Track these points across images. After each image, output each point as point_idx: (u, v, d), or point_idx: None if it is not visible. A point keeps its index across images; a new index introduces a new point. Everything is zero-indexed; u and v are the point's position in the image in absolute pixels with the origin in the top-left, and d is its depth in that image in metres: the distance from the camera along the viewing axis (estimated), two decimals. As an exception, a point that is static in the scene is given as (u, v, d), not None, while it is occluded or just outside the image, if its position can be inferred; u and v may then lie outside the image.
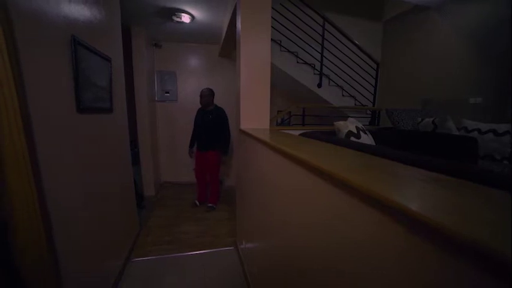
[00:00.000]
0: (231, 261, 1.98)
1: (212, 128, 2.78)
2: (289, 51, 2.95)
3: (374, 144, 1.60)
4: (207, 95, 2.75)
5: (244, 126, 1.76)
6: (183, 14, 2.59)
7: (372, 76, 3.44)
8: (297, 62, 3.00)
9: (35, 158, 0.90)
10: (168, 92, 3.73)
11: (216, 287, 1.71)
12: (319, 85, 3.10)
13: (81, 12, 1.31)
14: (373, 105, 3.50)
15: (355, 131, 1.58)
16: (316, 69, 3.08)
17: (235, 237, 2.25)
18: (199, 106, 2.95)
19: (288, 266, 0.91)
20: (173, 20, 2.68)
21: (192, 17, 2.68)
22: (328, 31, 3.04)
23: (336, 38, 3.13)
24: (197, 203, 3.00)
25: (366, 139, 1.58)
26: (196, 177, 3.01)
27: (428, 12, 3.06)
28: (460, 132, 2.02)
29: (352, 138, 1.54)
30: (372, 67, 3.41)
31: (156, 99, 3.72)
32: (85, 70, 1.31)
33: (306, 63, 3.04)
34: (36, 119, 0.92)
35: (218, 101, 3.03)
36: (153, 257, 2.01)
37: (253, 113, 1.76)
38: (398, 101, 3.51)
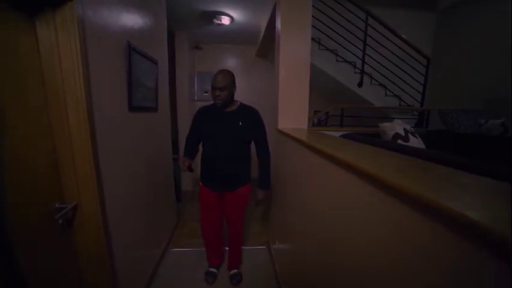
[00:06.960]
0: (263, 260, 1.98)
1: (244, 142, 1.55)
2: (328, 49, 2.84)
3: (424, 148, 1.44)
4: (230, 85, 1.43)
5: (282, 125, 1.75)
6: (223, 17, 2.68)
7: (420, 73, 3.12)
8: (336, 61, 2.87)
9: (96, 155, 1.01)
10: (207, 92, 3.89)
11: (246, 284, 1.73)
12: (360, 84, 2.92)
13: (135, 20, 1.44)
14: (421, 106, 3.17)
15: (402, 133, 1.45)
16: (357, 68, 2.91)
17: (268, 236, 2.25)
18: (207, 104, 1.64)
19: (320, 268, 0.88)
20: (214, 22, 2.79)
21: (232, 18, 2.75)
22: (371, 26, 2.84)
23: (380, 33, 2.91)
24: (214, 271, 1.83)
25: (416, 142, 1.44)
26: (207, 236, 1.79)
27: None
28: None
29: (399, 141, 1.42)
30: (421, 63, 3.09)
31: (196, 98, 3.91)
32: (136, 72, 1.43)
33: (345, 61, 2.89)
34: (97, 119, 1.02)
35: (252, 100, 2.94)
36: (188, 249, 2.12)
37: (291, 113, 1.74)
38: (452, 101, 3.11)
